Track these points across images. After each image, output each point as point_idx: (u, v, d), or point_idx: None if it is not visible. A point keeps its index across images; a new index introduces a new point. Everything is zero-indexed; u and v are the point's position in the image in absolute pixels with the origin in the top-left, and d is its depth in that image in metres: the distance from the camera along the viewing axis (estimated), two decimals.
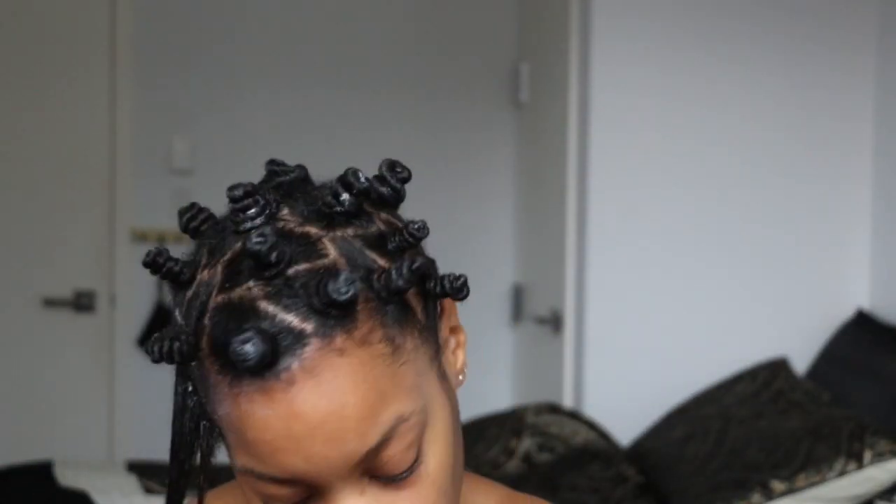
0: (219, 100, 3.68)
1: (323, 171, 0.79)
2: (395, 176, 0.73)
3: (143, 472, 2.77)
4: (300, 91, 3.71)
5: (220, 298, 0.68)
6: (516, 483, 2.66)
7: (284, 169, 0.75)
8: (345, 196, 0.70)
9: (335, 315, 0.66)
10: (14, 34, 3.60)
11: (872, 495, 2.39)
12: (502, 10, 3.81)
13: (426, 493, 0.71)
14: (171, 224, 3.64)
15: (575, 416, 2.96)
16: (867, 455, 2.37)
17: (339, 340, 0.66)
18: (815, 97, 3.17)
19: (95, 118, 3.62)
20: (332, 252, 0.69)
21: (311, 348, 0.66)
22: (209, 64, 3.68)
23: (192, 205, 0.74)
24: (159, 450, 3.57)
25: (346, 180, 0.70)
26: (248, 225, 0.69)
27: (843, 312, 3.12)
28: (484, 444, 2.82)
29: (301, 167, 0.75)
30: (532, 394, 3.43)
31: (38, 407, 3.64)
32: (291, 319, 0.66)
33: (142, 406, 3.67)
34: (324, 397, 0.66)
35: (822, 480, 2.38)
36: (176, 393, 0.72)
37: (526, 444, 2.80)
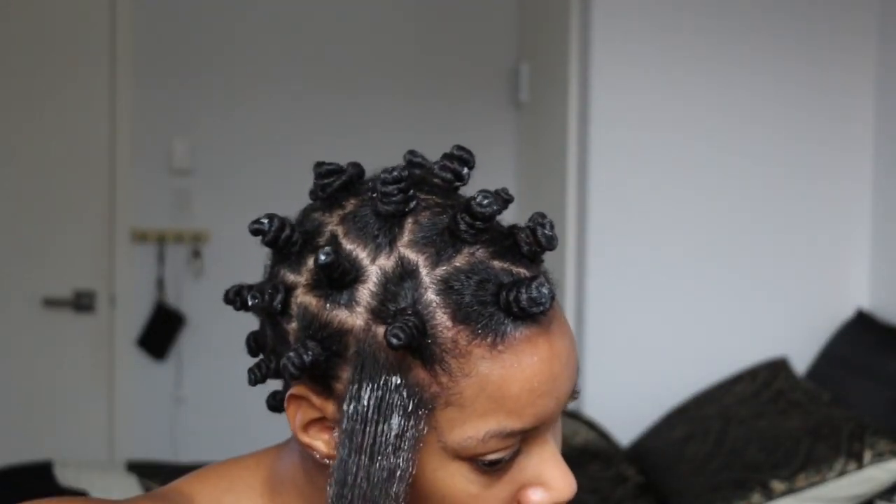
0: (219, 100, 3.68)
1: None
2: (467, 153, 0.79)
3: (143, 472, 2.77)
4: (300, 91, 3.71)
5: (440, 271, 0.70)
6: None
7: (340, 167, 0.77)
8: (465, 171, 0.78)
9: (539, 262, 0.74)
10: (14, 35, 3.60)
11: (872, 495, 2.39)
12: (502, 10, 3.81)
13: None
14: (171, 224, 3.64)
15: (575, 416, 2.96)
16: (867, 455, 2.37)
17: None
18: (816, 97, 3.16)
19: (95, 118, 3.62)
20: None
21: (549, 288, 0.70)
22: (209, 64, 3.68)
23: (271, 216, 0.73)
24: (159, 450, 3.57)
25: (461, 157, 0.79)
26: (412, 205, 0.72)
27: (843, 312, 3.12)
28: None
29: (356, 164, 0.78)
30: None
31: (38, 407, 3.64)
32: (523, 270, 0.72)
33: (142, 406, 3.67)
34: (565, 335, 0.73)
35: (822, 480, 2.38)
36: (371, 393, 0.70)
37: None
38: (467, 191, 0.80)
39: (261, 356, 0.78)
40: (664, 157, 3.14)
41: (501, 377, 0.70)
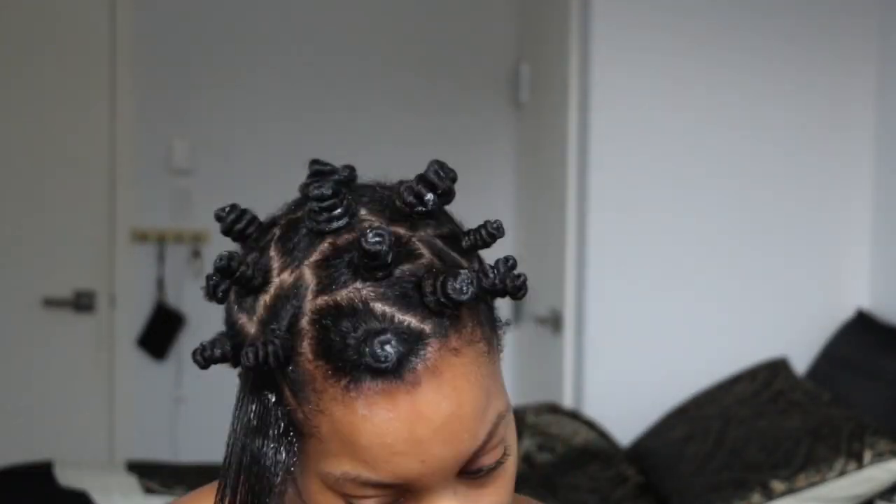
0: (219, 100, 3.68)
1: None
2: (448, 175, 0.72)
3: (143, 472, 2.77)
4: (299, 91, 3.71)
5: (321, 301, 0.67)
6: (516, 483, 2.66)
7: (333, 168, 0.74)
8: (429, 196, 0.70)
9: (448, 315, 0.66)
10: (14, 35, 3.60)
11: (872, 495, 2.39)
12: (502, 10, 3.81)
13: (506, 485, 0.73)
14: (172, 224, 3.64)
15: (575, 416, 2.96)
16: (867, 455, 2.37)
17: (454, 340, 0.67)
18: (816, 97, 3.16)
19: (95, 118, 3.62)
20: (426, 252, 0.69)
21: (432, 349, 0.66)
22: (209, 64, 3.68)
23: (234, 206, 0.73)
24: (159, 450, 3.57)
25: (430, 180, 0.71)
26: (335, 225, 0.68)
27: (843, 312, 3.12)
28: None
29: (350, 167, 0.74)
30: (532, 394, 3.43)
31: (38, 407, 3.64)
32: (409, 320, 0.66)
33: (142, 406, 3.67)
34: (445, 398, 0.66)
35: (822, 480, 2.38)
36: (256, 404, 0.69)
37: (526, 444, 2.80)
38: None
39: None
40: (664, 157, 3.14)
41: (352, 423, 0.66)
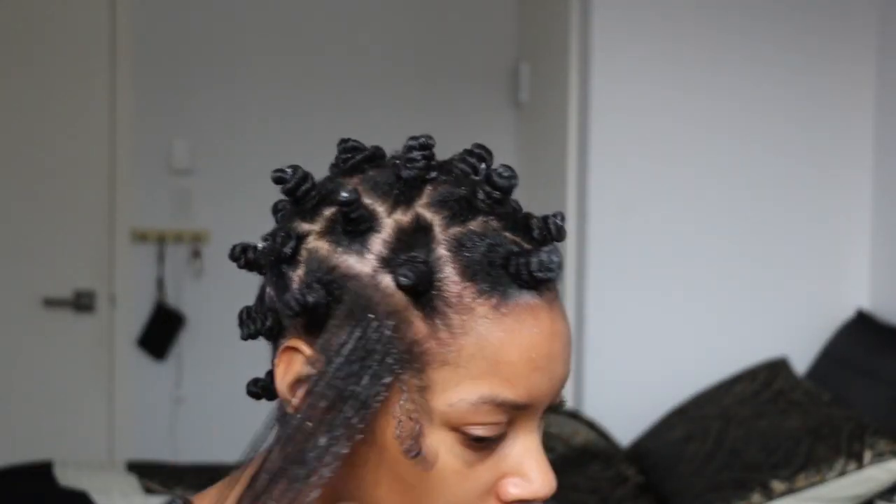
0: (219, 100, 3.68)
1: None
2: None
3: (143, 472, 2.77)
4: (300, 91, 3.71)
5: (454, 231, 0.71)
6: None
7: (364, 146, 0.79)
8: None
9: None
10: (14, 35, 3.60)
11: (872, 495, 2.39)
12: (502, 10, 3.81)
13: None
14: (172, 224, 3.64)
15: (575, 416, 2.96)
16: (867, 455, 2.37)
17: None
18: (816, 97, 3.16)
19: (95, 118, 3.62)
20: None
21: (559, 258, 0.71)
22: (209, 64, 3.68)
23: (296, 168, 0.75)
24: (159, 450, 3.57)
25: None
26: (433, 173, 0.73)
27: (843, 312, 3.12)
28: None
29: (378, 147, 0.79)
30: None
31: (38, 407, 3.64)
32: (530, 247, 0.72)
33: (142, 406, 3.67)
34: (566, 320, 0.74)
35: (822, 480, 2.38)
36: (359, 337, 0.70)
37: None
38: None
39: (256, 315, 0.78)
40: (664, 156, 3.14)
41: (501, 340, 0.69)
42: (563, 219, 0.74)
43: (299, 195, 0.74)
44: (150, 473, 2.75)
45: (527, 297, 0.70)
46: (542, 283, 0.70)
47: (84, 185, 3.63)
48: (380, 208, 0.72)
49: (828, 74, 3.16)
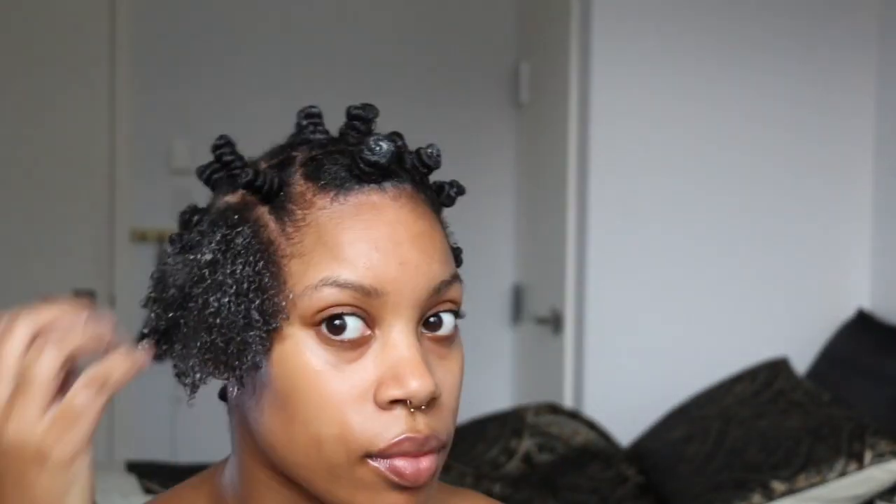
0: (219, 100, 3.68)
1: None
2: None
3: (143, 472, 2.77)
4: (300, 91, 3.71)
5: (311, 153, 0.78)
6: (517, 483, 2.66)
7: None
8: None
9: (415, 177, 0.77)
10: (14, 35, 3.60)
11: (873, 495, 2.39)
12: (502, 10, 3.81)
13: (458, 372, 0.76)
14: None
15: (575, 416, 2.96)
16: (867, 455, 2.37)
17: (421, 194, 0.76)
18: (816, 97, 3.16)
19: (95, 118, 3.62)
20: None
21: (409, 186, 0.76)
22: (209, 64, 3.68)
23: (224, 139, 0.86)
24: (159, 450, 3.57)
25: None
26: (303, 136, 0.84)
27: (843, 312, 3.12)
28: (484, 444, 2.82)
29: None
30: (532, 394, 3.43)
31: None
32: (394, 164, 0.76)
33: (142, 406, 3.67)
34: (420, 218, 0.75)
35: (823, 481, 2.37)
36: (219, 242, 0.76)
37: (526, 444, 2.80)
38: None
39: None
40: (664, 157, 3.14)
41: (336, 225, 0.72)
42: (437, 152, 0.78)
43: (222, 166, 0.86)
44: (149, 473, 2.75)
45: (367, 191, 0.74)
46: (375, 169, 0.73)
47: (84, 185, 3.63)
48: (262, 164, 0.80)
49: (828, 77, 3.16)
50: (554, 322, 3.31)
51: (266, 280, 0.73)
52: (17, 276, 3.62)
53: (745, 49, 3.14)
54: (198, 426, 3.65)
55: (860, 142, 3.16)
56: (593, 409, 3.10)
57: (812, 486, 2.38)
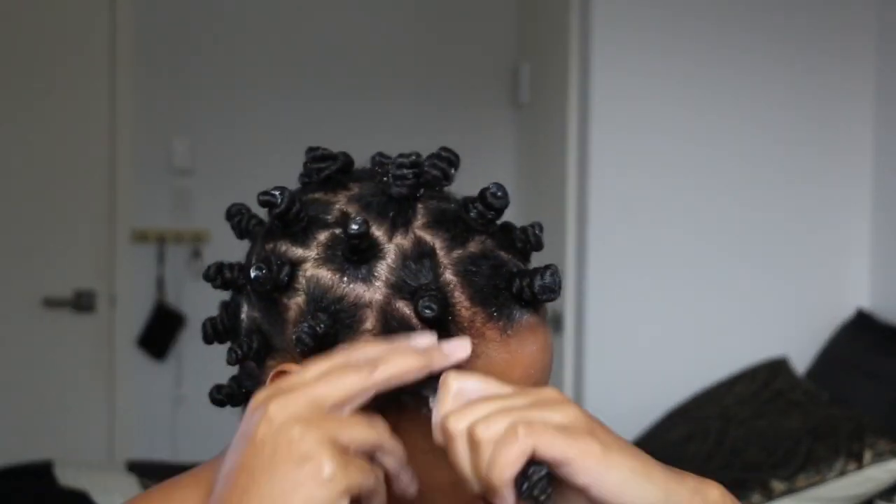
0: (219, 100, 3.68)
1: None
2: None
3: (143, 472, 2.77)
4: (300, 91, 3.71)
5: (456, 254, 0.72)
6: None
7: (333, 153, 0.79)
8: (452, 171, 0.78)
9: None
10: (14, 35, 3.60)
11: (872, 495, 2.39)
12: (502, 10, 3.81)
13: None
14: (171, 224, 3.64)
15: None
16: (867, 455, 2.37)
17: None
18: (816, 97, 3.16)
19: (95, 119, 3.62)
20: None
21: (559, 281, 0.74)
22: (209, 64, 3.68)
23: (283, 189, 0.74)
24: (159, 450, 3.57)
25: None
26: (422, 190, 0.74)
27: (843, 312, 3.12)
28: None
29: (346, 153, 0.80)
30: None
31: (38, 407, 3.64)
32: (521, 264, 0.75)
33: (142, 406, 3.67)
34: (547, 334, 0.76)
35: (822, 480, 2.37)
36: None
37: None
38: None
39: (232, 341, 0.78)
40: (664, 157, 3.14)
41: (506, 361, 0.71)
42: (541, 229, 0.76)
43: (289, 219, 0.73)
44: (150, 473, 2.75)
45: (528, 317, 0.73)
46: (542, 303, 0.73)
47: (84, 185, 3.63)
48: (378, 232, 0.72)
49: (827, 76, 3.16)
50: (554, 322, 3.31)
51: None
52: (17, 276, 3.62)
53: (745, 49, 3.14)
54: (198, 426, 3.65)
55: (860, 141, 3.16)
56: (593, 409, 3.07)
57: (811, 485, 2.38)
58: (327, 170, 0.76)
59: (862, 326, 3.00)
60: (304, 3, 3.74)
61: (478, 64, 3.81)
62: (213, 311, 0.84)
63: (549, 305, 0.76)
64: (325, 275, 0.72)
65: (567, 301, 3.21)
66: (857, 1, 3.16)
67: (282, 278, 0.72)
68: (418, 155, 0.75)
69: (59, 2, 3.61)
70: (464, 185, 0.84)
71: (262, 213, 0.77)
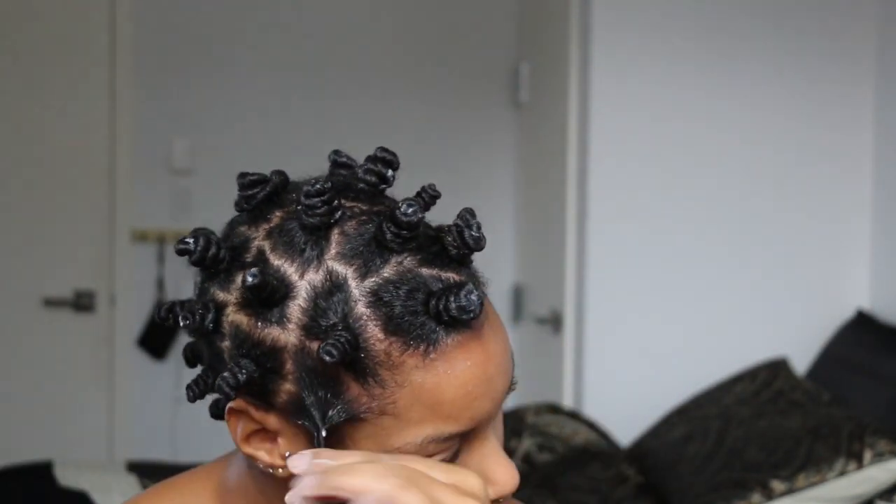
0: (219, 100, 3.68)
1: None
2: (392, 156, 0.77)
3: (143, 472, 2.77)
4: (300, 91, 3.71)
5: (369, 283, 0.69)
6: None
7: (263, 176, 0.77)
8: (390, 173, 0.75)
9: (469, 263, 0.73)
10: (14, 35, 3.60)
11: (872, 495, 2.39)
12: (502, 10, 3.81)
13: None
14: (172, 224, 3.64)
15: (575, 416, 2.96)
16: (867, 455, 2.37)
17: (481, 286, 0.74)
18: (816, 98, 3.16)
19: (95, 118, 3.62)
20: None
21: (477, 294, 0.69)
22: (209, 64, 3.68)
23: (198, 234, 0.74)
24: (159, 450, 3.57)
25: (383, 158, 0.76)
26: (336, 215, 0.71)
27: (843, 312, 3.12)
28: None
29: (280, 171, 0.77)
30: (532, 394, 3.43)
31: (38, 407, 3.64)
32: (452, 275, 0.71)
33: (142, 406, 3.67)
34: (498, 334, 0.73)
35: (822, 480, 2.37)
36: (318, 403, 0.70)
37: (526, 444, 2.80)
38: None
39: (199, 370, 0.78)
40: (664, 157, 3.14)
41: (435, 385, 0.69)
42: (478, 227, 0.72)
43: (207, 264, 0.73)
44: (150, 473, 2.75)
45: (454, 337, 0.69)
46: (466, 322, 0.69)
47: (84, 186, 3.63)
48: (290, 269, 0.70)
49: (828, 77, 3.16)
50: (554, 322, 3.31)
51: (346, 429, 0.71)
52: (17, 276, 3.62)
53: (744, 49, 3.14)
54: (198, 426, 3.65)
55: (860, 142, 3.16)
56: (593, 409, 3.10)
57: (812, 485, 2.38)
58: (254, 198, 0.74)
59: (862, 327, 3.00)
60: (304, 4, 3.74)
61: (478, 64, 3.81)
62: None
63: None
64: (244, 320, 0.71)
65: (567, 301, 3.22)
66: (857, 2, 3.16)
67: (206, 325, 0.72)
68: (326, 179, 0.72)
69: (59, 2, 3.61)
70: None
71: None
